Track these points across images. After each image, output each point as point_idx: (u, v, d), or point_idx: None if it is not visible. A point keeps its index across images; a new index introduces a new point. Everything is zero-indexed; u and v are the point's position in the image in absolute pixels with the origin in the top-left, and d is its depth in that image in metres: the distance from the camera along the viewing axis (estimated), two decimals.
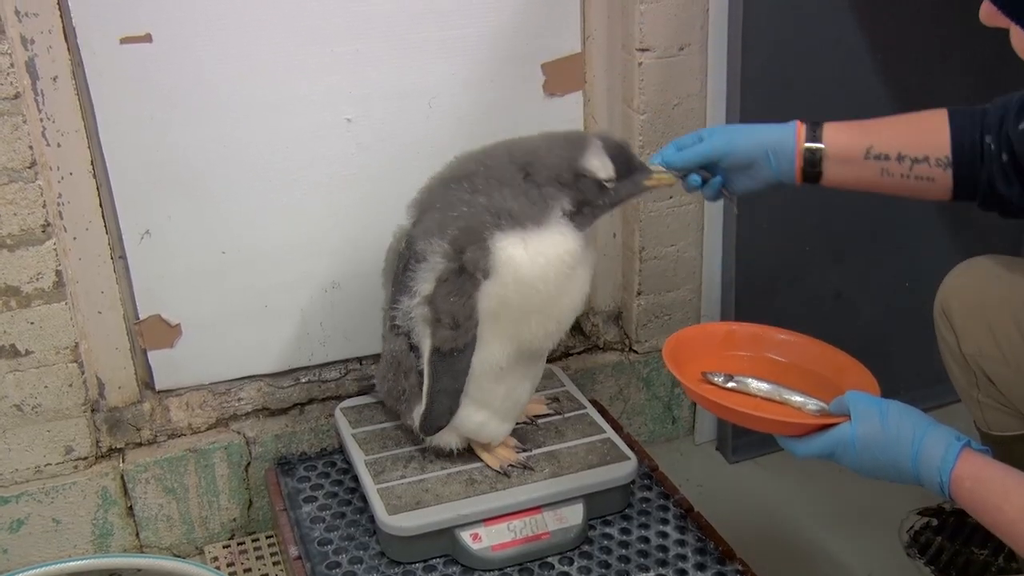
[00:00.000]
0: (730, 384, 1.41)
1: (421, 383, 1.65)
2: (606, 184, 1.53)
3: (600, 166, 1.52)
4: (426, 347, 1.60)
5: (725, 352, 1.51)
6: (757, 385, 1.40)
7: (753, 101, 1.95)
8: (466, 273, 1.52)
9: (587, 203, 1.55)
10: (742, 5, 1.87)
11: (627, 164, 1.54)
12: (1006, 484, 1.17)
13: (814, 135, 1.47)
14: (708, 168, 1.53)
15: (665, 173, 1.54)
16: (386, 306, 1.72)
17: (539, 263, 1.51)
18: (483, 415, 1.67)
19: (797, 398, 1.37)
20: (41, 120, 1.68)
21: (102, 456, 1.86)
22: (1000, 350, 1.53)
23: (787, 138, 1.48)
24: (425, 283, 1.55)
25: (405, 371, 1.67)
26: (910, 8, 1.99)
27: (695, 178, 1.52)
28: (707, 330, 1.64)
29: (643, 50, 1.92)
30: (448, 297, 1.53)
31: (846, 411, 1.26)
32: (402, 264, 1.62)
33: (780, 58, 1.93)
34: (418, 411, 1.67)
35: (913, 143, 1.44)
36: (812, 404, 1.35)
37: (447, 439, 1.70)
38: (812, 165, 1.48)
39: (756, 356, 1.51)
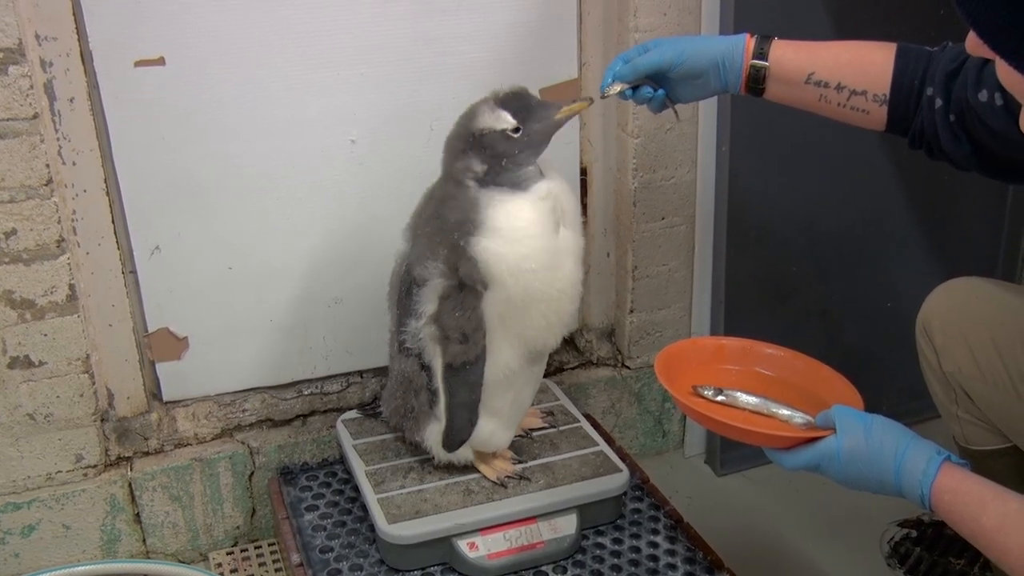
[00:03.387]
0: (720, 398, 1.41)
1: (431, 401, 1.66)
2: (511, 134, 1.53)
3: (495, 119, 1.53)
4: (438, 365, 1.61)
5: (715, 366, 1.51)
6: (746, 399, 1.40)
7: (743, 123, 1.99)
8: (467, 287, 1.54)
9: (502, 155, 1.54)
10: (732, 32, 1.90)
11: (525, 107, 1.54)
12: (983, 496, 1.18)
13: (761, 51, 1.49)
14: (655, 79, 1.54)
15: (577, 102, 1.54)
16: (393, 328, 1.72)
17: (517, 250, 1.52)
18: (493, 424, 1.69)
19: (784, 411, 1.37)
20: (58, 139, 1.70)
21: (111, 464, 1.88)
22: (979, 368, 1.54)
23: (736, 51, 1.49)
24: (429, 303, 1.57)
25: (415, 390, 1.68)
26: (903, 28, 1.97)
27: (647, 90, 1.53)
28: (698, 344, 1.63)
29: None
30: (453, 312, 1.55)
31: (832, 425, 1.26)
32: (405, 288, 1.63)
33: None
34: (429, 429, 1.69)
35: (855, 75, 1.45)
36: (799, 417, 1.35)
37: (463, 453, 1.71)
38: (756, 81, 1.50)
39: (745, 370, 1.50)
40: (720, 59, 1.50)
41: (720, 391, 1.42)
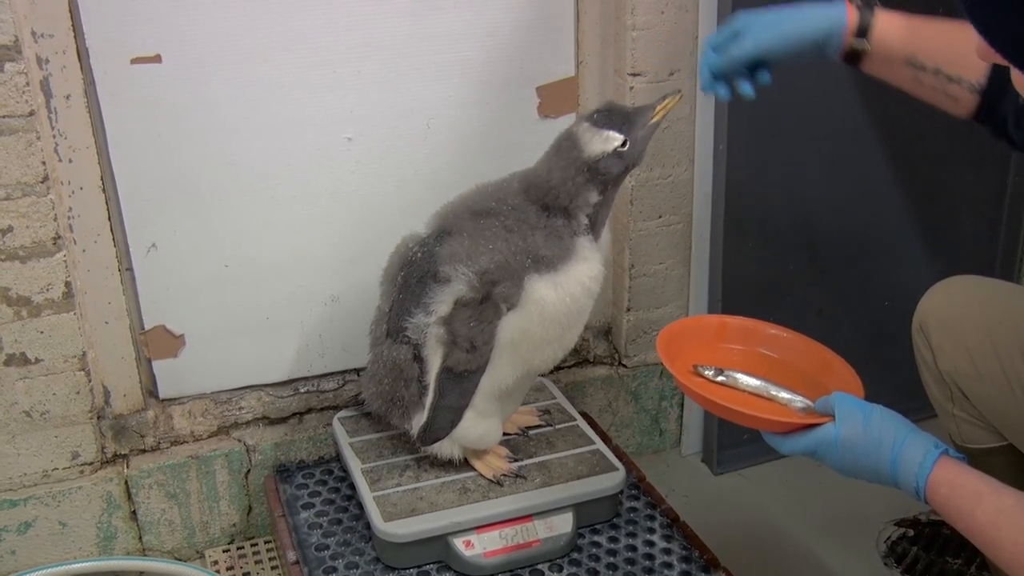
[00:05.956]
0: (720, 378, 1.39)
1: (422, 393, 1.66)
2: (621, 149, 1.52)
3: (603, 141, 1.52)
4: (435, 364, 1.61)
5: (717, 344, 1.49)
6: (746, 380, 1.39)
7: (740, 122, 1.99)
8: (490, 301, 1.53)
9: (616, 178, 1.55)
10: None
11: (625, 119, 1.53)
12: (979, 491, 1.17)
13: (863, 28, 1.41)
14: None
15: (668, 97, 1.51)
16: (385, 308, 1.71)
17: (566, 301, 1.54)
18: (483, 426, 1.69)
19: (784, 395, 1.36)
20: (54, 137, 1.70)
21: (107, 462, 1.88)
22: (975, 367, 1.55)
23: (836, 28, 1.41)
24: (443, 304, 1.57)
25: (406, 380, 1.67)
26: None
27: (747, 87, 1.45)
28: (701, 322, 1.62)
29: (635, 75, 1.95)
30: (468, 322, 1.55)
31: (831, 411, 1.25)
32: (416, 276, 1.62)
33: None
34: (417, 419, 1.69)
35: (954, 62, 1.39)
36: (799, 402, 1.34)
37: (448, 449, 1.72)
38: (854, 59, 1.44)
39: (747, 350, 1.49)
40: (820, 38, 1.43)
41: (721, 371, 1.41)
